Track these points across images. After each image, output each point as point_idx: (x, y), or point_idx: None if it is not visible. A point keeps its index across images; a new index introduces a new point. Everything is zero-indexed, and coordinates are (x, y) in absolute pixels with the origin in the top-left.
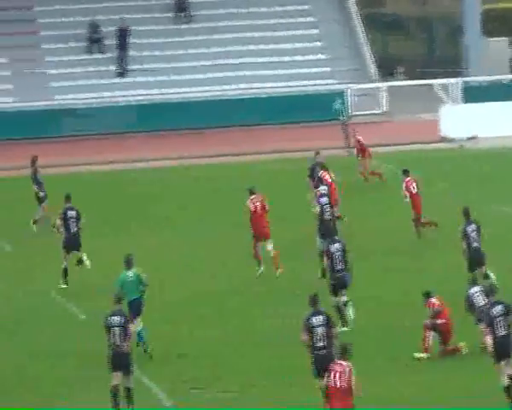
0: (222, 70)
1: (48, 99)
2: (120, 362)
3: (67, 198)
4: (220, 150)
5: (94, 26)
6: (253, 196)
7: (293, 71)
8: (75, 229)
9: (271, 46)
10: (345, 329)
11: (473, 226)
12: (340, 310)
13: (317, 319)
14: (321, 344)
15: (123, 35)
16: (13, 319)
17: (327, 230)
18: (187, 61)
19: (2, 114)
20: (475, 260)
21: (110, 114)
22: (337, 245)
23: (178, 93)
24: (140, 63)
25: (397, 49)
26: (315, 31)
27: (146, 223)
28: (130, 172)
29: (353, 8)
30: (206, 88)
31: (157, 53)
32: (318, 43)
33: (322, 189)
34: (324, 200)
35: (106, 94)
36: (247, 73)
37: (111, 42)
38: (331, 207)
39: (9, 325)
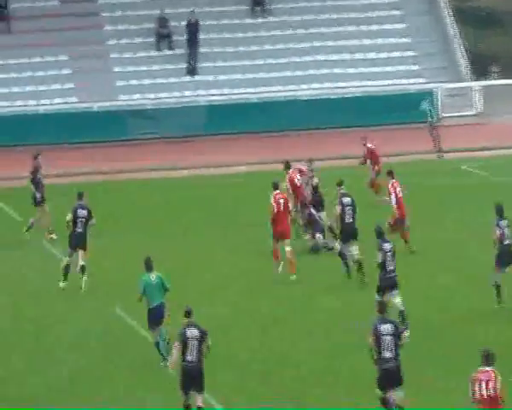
0: (300, 68)
1: (112, 99)
2: (194, 379)
3: (80, 196)
4: (300, 154)
5: (162, 21)
6: (276, 192)
7: (378, 69)
8: (80, 229)
9: (354, 42)
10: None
11: (505, 222)
12: (401, 313)
13: (385, 328)
14: (388, 355)
15: (193, 30)
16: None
17: (347, 233)
18: (262, 58)
19: (62, 115)
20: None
21: (179, 115)
22: (387, 245)
23: (253, 93)
24: (212, 60)
25: (491, 46)
26: (402, 25)
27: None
28: (200, 178)
29: (443, 0)
30: (283, 87)
31: (230, 49)
32: (405, 39)
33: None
34: (347, 200)
35: (175, 94)
36: (327, 71)
37: (180, 37)
38: (354, 209)
39: None
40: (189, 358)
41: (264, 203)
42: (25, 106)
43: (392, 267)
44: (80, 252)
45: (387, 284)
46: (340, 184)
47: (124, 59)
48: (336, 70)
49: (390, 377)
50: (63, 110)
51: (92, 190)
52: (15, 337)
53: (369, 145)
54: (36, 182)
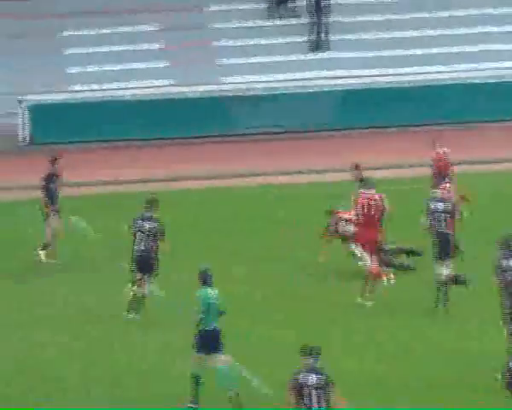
0: (471, 42)
1: (213, 82)
2: None
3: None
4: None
5: None
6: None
7: None
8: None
9: None
10: None
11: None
12: None
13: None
14: None
15: None
16: None
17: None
18: (415, 28)
19: (151, 102)
20: None
21: (300, 103)
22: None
23: (399, 74)
24: (344, 32)
25: None
26: None
27: None
28: (324, 187)
29: None
30: (446, 67)
31: (369, 18)
32: None
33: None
34: (440, 205)
35: (295, 76)
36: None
37: (302, 2)
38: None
39: None
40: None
41: None
42: (103, 90)
43: None
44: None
45: None
46: None
47: (227, 30)
48: None
49: None
50: (150, 96)
51: (203, 198)
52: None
53: (439, 150)
54: (49, 191)
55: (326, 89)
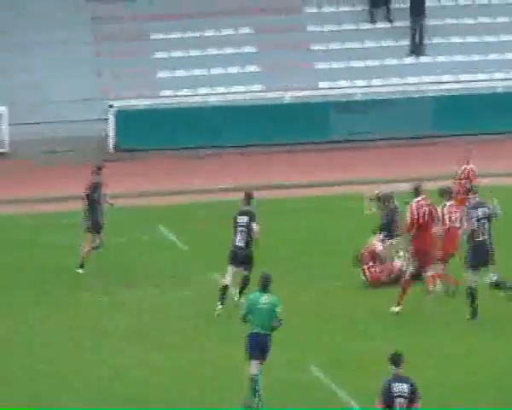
0: None
1: (310, 87)
2: None
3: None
4: None
5: None
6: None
7: None
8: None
9: None
10: None
11: None
12: None
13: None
14: None
15: None
16: None
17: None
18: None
19: (241, 109)
20: None
21: (399, 109)
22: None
23: (499, 80)
24: (444, 36)
25: None
26: None
27: None
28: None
29: None
30: None
31: (469, 21)
32: None
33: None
34: (480, 212)
35: (393, 80)
36: None
37: (401, 5)
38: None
39: None
40: None
41: None
42: (192, 95)
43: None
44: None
45: None
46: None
47: (325, 34)
48: None
49: None
50: (243, 102)
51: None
52: None
53: (466, 166)
54: (91, 201)
55: (424, 94)
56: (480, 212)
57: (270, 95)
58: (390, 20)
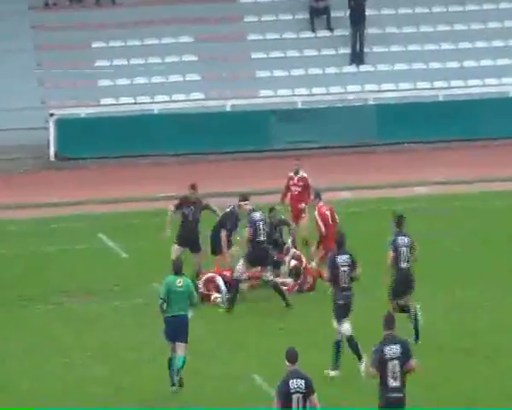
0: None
1: (250, 95)
2: None
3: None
4: None
5: None
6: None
7: None
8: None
9: None
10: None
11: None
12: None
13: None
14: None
15: (358, 3)
16: None
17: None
18: (454, 41)
19: (183, 117)
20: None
21: (340, 118)
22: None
23: (439, 88)
24: (384, 44)
25: None
26: None
27: None
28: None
29: None
30: (498, 80)
31: (408, 30)
32: None
33: None
34: (401, 241)
35: (334, 89)
36: None
37: (341, 14)
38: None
39: None
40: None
41: None
42: (135, 104)
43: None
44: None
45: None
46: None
47: (266, 42)
48: None
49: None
50: (184, 110)
51: None
52: None
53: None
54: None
55: (366, 103)
56: (400, 241)
57: (210, 103)
58: (330, 29)
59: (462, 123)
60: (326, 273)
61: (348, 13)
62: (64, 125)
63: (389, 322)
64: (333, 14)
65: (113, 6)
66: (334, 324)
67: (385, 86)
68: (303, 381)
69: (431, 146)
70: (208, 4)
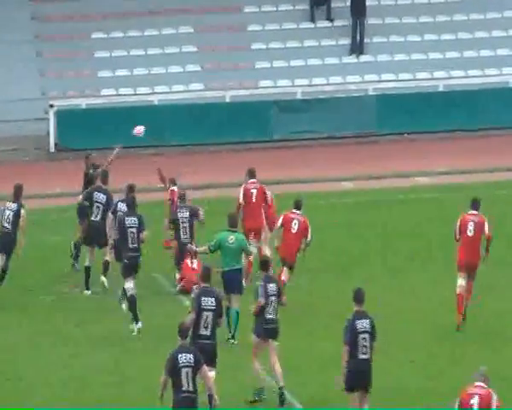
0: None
1: (250, 86)
2: None
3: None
4: None
5: None
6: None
7: None
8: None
9: None
10: None
11: None
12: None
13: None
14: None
15: None
16: None
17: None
18: (453, 31)
19: (181, 108)
20: None
21: (340, 108)
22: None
23: (440, 79)
24: (384, 35)
25: None
26: None
27: None
28: (368, 194)
29: None
30: (499, 70)
31: (409, 20)
32: None
33: None
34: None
35: (334, 80)
36: None
37: (342, 4)
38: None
39: None
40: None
41: None
42: (135, 95)
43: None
44: None
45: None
46: None
47: (266, 33)
48: None
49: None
50: (184, 101)
51: None
52: None
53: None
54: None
55: (366, 93)
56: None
57: (210, 94)
58: (330, 20)
59: (462, 113)
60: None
61: (349, 3)
62: (64, 115)
63: (359, 297)
64: (333, 5)
65: None
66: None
67: (385, 76)
68: (191, 355)
69: (432, 136)
70: None
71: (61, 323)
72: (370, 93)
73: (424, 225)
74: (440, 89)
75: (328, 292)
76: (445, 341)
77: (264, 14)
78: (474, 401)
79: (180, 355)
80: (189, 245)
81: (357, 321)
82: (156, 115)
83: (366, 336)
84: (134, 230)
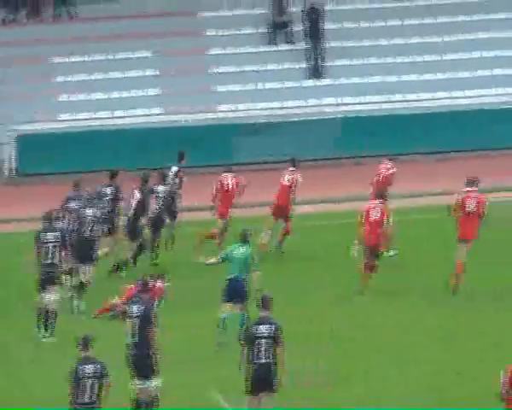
0: (472, 67)
1: (209, 110)
2: None
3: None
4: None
5: (279, 4)
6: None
7: None
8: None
9: None
10: None
11: None
12: None
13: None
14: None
15: (315, 17)
16: None
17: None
18: (413, 53)
19: (142, 132)
20: None
21: (300, 131)
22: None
23: (400, 101)
24: (343, 57)
25: None
26: None
27: None
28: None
29: None
30: (448, 94)
31: (367, 43)
32: None
33: None
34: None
35: (294, 103)
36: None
37: (301, 27)
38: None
39: None
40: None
41: None
42: (91, 119)
43: None
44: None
45: None
46: None
47: (225, 56)
48: None
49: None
50: (144, 125)
51: None
52: None
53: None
54: None
55: (323, 117)
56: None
57: (170, 118)
58: (290, 43)
59: (421, 135)
60: None
61: (304, 26)
62: (23, 140)
63: (264, 303)
64: (293, 28)
65: (72, 21)
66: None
67: (345, 99)
68: (98, 365)
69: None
70: (168, 18)
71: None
72: (330, 116)
73: None
74: (399, 111)
75: None
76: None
77: (224, 37)
78: None
79: (83, 367)
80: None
81: (258, 326)
82: (115, 140)
83: (264, 341)
84: (50, 245)
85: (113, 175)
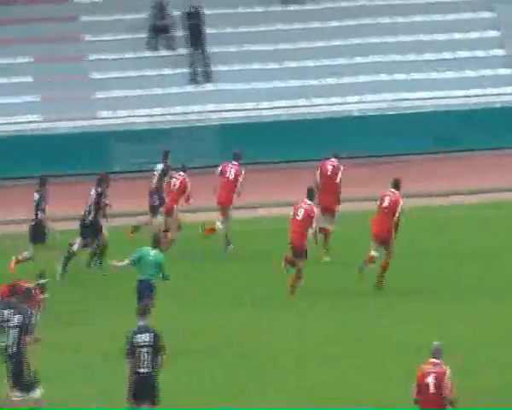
0: (353, 73)
1: (89, 117)
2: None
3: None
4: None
5: (160, 9)
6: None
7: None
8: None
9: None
10: None
11: None
12: None
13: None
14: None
15: (195, 22)
16: None
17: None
18: (296, 59)
19: (18, 140)
20: None
21: (183, 138)
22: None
23: (283, 107)
24: (225, 63)
25: None
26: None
27: None
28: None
29: None
30: (325, 100)
31: (251, 47)
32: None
33: None
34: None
35: (174, 110)
36: (397, 76)
37: (182, 33)
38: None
39: None
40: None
41: None
42: None
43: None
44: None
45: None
46: None
47: (105, 62)
48: (410, 76)
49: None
50: (22, 133)
51: None
52: None
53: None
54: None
55: (204, 124)
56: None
57: (48, 125)
58: (171, 48)
59: (307, 143)
60: None
61: (185, 32)
62: None
63: (141, 311)
64: (174, 34)
65: None
66: None
67: (228, 106)
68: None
69: (275, 166)
70: (47, 23)
71: None
72: (213, 123)
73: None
74: (284, 118)
75: None
76: None
77: (103, 42)
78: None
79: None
80: None
81: (138, 335)
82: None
83: (145, 350)
84: None
85: None
